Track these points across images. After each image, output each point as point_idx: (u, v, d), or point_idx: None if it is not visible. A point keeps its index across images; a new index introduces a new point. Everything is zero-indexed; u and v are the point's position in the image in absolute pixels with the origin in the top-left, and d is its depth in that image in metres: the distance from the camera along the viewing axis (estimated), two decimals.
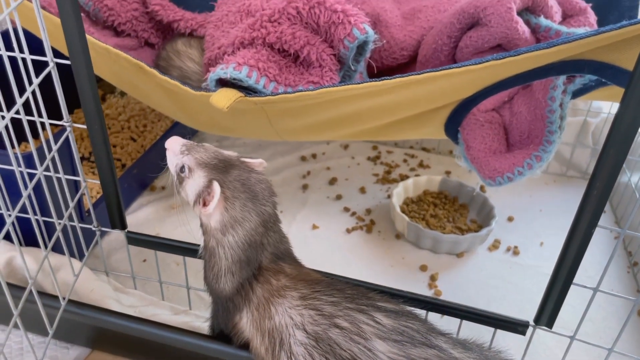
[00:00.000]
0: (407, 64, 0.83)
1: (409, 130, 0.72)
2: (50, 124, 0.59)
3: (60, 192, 0.67)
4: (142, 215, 0.98)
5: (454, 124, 0.67)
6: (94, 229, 0.72)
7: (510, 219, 1.03)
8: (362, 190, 1.08)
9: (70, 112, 1.18)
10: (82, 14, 0.89)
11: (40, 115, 0.59)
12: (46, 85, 0.58)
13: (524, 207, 1.06)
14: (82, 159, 1.10)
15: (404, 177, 1.12)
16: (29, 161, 0.66)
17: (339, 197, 1.05)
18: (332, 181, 1.10)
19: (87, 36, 0.63)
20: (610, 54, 0.52)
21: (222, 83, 0.63)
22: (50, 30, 0.65)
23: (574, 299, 0.59)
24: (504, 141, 0.67)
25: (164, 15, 0.86)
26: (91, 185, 1.00)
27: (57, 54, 0.59)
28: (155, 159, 1.05)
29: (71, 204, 0.66)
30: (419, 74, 0.55)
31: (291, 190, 1.07)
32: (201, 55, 0.80)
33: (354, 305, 0.49)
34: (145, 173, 1.03)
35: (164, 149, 0.59)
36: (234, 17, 0.73)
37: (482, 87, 0.60)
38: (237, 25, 0.71)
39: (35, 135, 0.65)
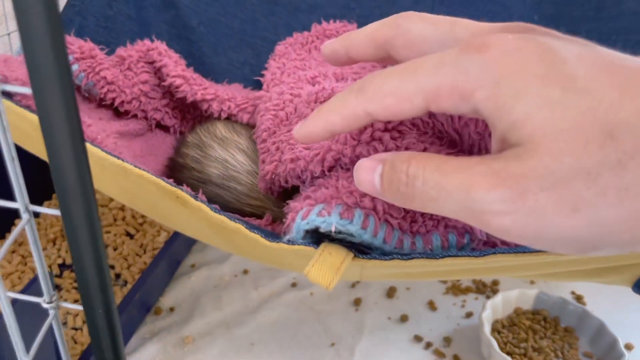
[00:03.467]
0: None
1: (570, 278, 0.48)
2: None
3: None
4: (144, 358, 0.71)
5: None
6: None
7: (628, 347, 0.79)
8: (432, 305, 0.83)
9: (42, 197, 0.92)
10: None
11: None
12: None
13: (639, 326, 0.82)
14: (63, 265, 0.84)
15: (479, 285, 0.88)
16: None
17: (404, 319, 0.80)
18: (391, 293, 0.85)
19: (92, 149, 0.38)
20: None
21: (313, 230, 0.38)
22: (23, 130, 0.40)
23: None
24: None
25: (188, 92, 0.61)
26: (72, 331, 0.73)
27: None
28: (162, 271, 0.79)
29: None
30: None
31: (340, 308, 0.82)
32: (252, 145, 0.55)
33: None
34: (150, 291, 0.77)
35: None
36: (306, 108, 0.49)
37: None
38: None
39: None
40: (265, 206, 0.52)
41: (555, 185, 0.25)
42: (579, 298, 0.86)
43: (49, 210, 0.33)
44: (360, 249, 0.38)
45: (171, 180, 0.44)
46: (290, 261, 0.44)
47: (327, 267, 0.34)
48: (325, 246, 0.36)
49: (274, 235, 0.40)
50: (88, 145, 0.38)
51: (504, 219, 0.26)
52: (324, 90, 0.48)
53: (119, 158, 0.39)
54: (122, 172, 0.40)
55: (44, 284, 0.36)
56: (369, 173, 0.31)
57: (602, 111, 0.25)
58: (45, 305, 0.36)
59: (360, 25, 0.72)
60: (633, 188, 0.24)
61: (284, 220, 0.41)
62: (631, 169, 0.24)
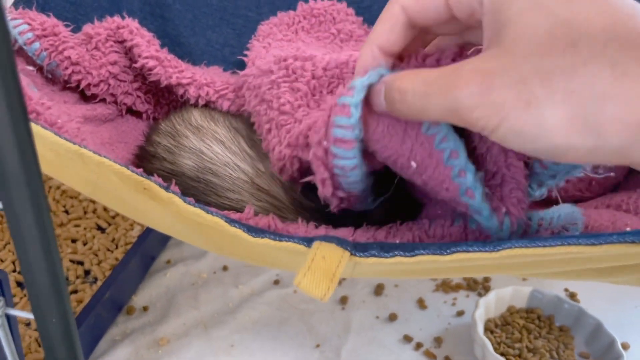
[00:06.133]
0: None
1: (582, 277, 0.44)
2: None
3: None
4: None
5: None
6: None
7: (625, 347, 0.76)
8: (421, 303, 0.79)
9: None
10: (31, 68, 0.58)
11: None
12: None
13: (634, 325, 0.79)
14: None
15: (470, 282, 0.84)
16: None
17: (392, 318, 0.76)
18: (378, 290, 0.81)
19: (43, 132, 0.33)
20: None
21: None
22: None
23: None
24: None
25: (162, 75, 0.56)
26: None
27: None
28: (135, 268, 0.74)
29: None
30: None
31: (326, 307, 0.77)
32: (231, 135, 0.50)
33: None
34: (122, 289, 0.71)
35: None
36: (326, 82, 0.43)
37: None
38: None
39: None
40: (245, 200, 0.47)
41: (517, 82, 0.27)
42: (572, 295, 0.83)
43: None
44: (357, 245, 0.33)
45: (140, 170, 0.39)
46: (274, 259, 0.39)
47: (321, 274, 0.30)
48: (318, 246, 0.31)
49: (258, 230, 0.35)
50: (38, 129, 0.33)
51: (473, 112, 0.28)
52: (340, 60, 0.44)
53: (75, 144, 0.34)
54: (79, 159, 0.34)
55: None
56: (378, 96, 0.34)
57: (577, 23, 0.27)
58: None
59: (350, 4, 0.68)
60: (578, 92, 0.26)
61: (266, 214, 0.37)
62: (581, 74, 0.26)
